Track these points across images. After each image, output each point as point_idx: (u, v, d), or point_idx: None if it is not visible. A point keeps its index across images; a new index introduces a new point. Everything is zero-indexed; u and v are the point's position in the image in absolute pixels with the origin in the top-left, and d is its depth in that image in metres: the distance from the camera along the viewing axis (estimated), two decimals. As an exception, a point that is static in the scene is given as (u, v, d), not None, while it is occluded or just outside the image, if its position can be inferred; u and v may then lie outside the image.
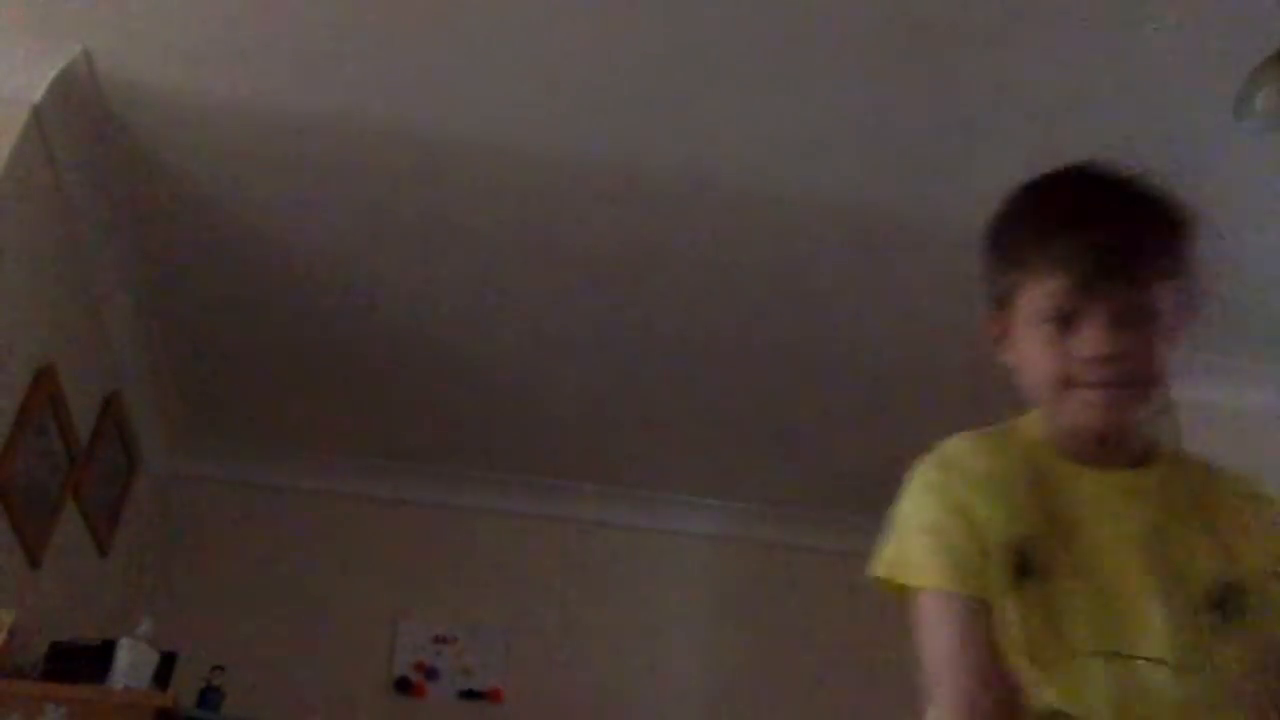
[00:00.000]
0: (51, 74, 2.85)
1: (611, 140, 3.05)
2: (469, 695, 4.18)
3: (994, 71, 2.82)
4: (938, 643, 1.11)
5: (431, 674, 4.21)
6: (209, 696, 3.53)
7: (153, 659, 3.00)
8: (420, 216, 3.33)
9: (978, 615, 1.11)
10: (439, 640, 4.27)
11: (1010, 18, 2.69)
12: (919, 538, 1.16)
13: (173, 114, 3.01)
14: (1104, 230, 1.13)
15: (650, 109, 2.96)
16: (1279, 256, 3.30)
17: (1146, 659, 1.08)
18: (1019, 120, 2.96)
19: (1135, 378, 1.12)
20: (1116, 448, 1.17)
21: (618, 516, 4.51)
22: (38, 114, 2.87)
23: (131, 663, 2.92)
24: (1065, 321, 1.13)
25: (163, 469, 4.35)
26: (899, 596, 1.16)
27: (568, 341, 3.79)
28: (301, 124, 3.03)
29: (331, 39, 2.82)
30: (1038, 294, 1.15)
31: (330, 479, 4.51)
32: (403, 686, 4.17)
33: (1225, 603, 1.11)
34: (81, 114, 2.99)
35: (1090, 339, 1.11)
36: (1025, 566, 1.12)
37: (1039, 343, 1.15)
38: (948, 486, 1.18)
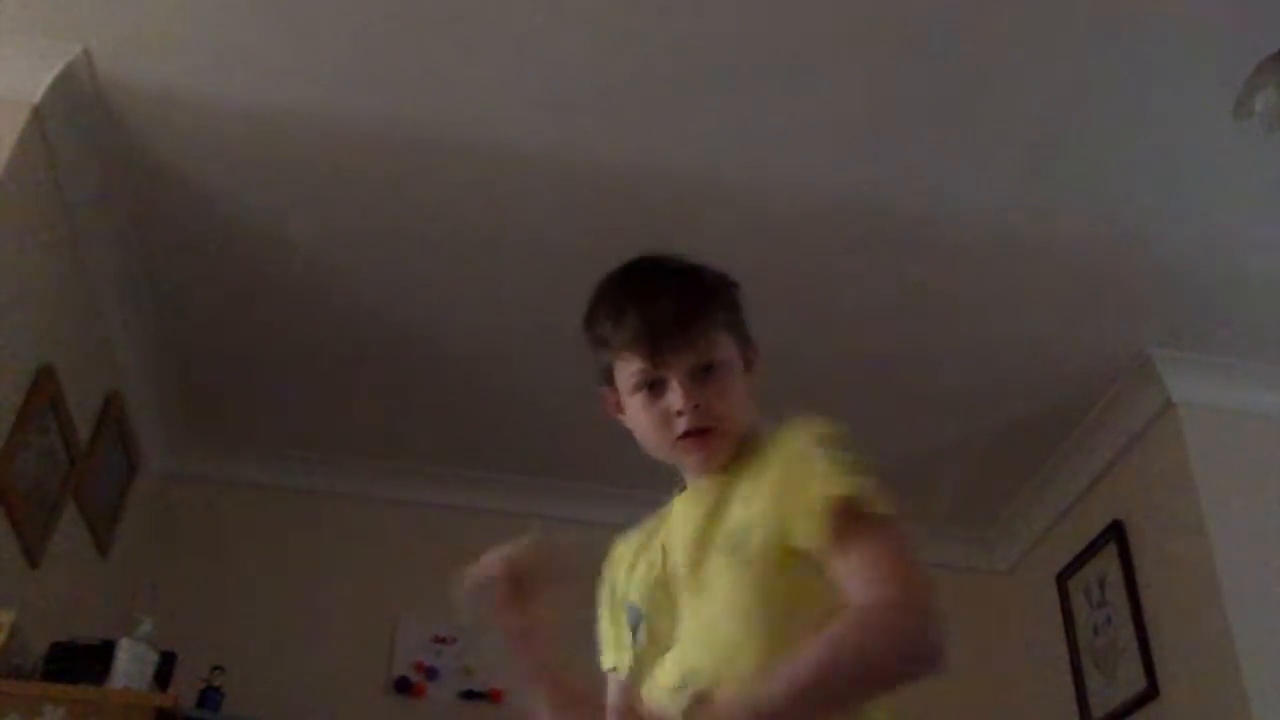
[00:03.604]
0: (51, 74, 2.85)
1: (611, 140, 3.05)
2: (469, 695, 4.17)
3: (994, 71, 2.82)
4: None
5: (431, 674, 4.21)
6: (209, 696, 3.53)
7: (153, 659, 2.99)
8: (420, 217, 3.33)
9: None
10: (439, 640, 4.26)
11: (1010, 17, 2.69)
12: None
13: (173, 114, 3.01)
14: (658, 310, 1.38)
15: (650, 109, 2.96)
16: (1279, 256, 3.30)
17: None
18: (1019, 120, 2.96)
19: (716, 421, 1.37)
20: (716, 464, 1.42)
21: (618, 516, 4.49)
22: (38, 114, 2.87)
23: (131, 663, 2.92)
24: (652, 388, 1.39)
25: (163, 469, 4.35)
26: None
27: (567, 342, 3.78)
28: (301, 124, 3.03)
29: (332, 40, 2.82)
30: (625, 371, 1.41)
31: (330, 479, 4.50)
32: (403, 686, 4.17)
33: (734, 544, 1.32)
34: (81, 114, 2.99)
35: (675, 398, 1.37)
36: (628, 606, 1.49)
37: (639, 408, 1.41)
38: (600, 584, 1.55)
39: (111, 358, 3.67)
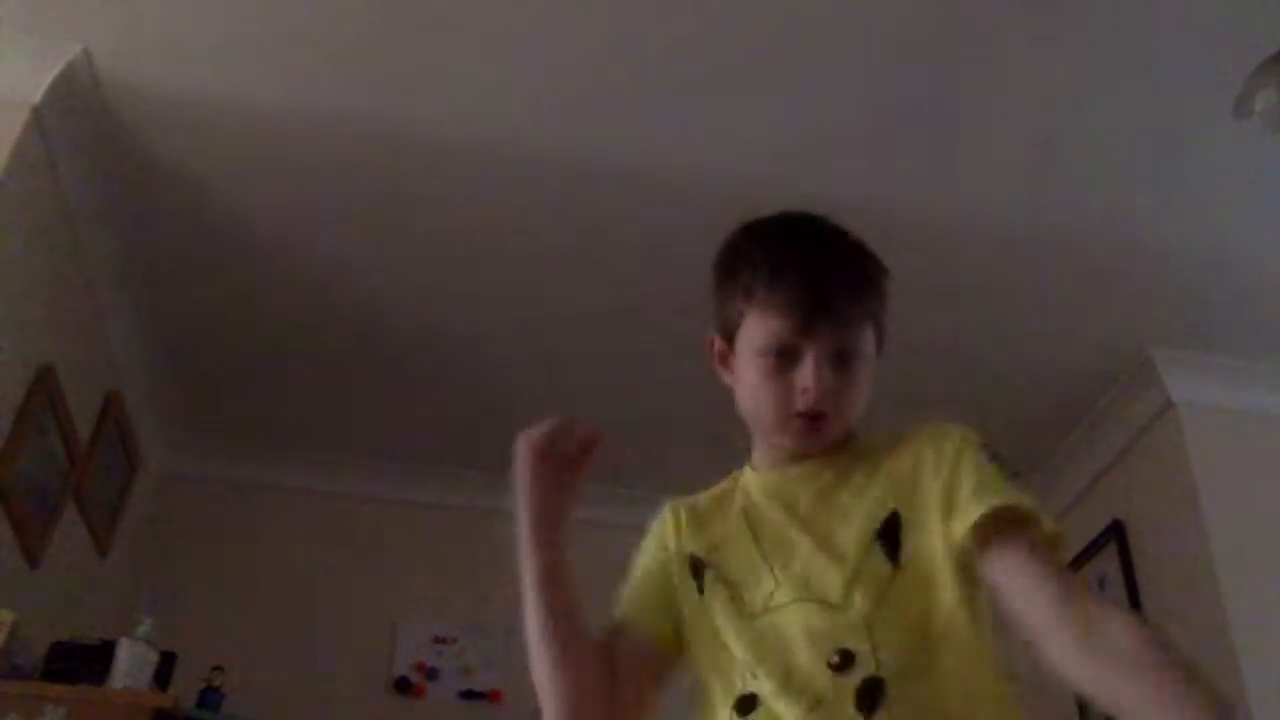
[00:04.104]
0: (51, 74, 2.85)
1: (612, 140, 3.05)
2: (469, 695, 4.18)
3: (994, 72, 2.82)
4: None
5: (431, 674, 4.21)
6: (209, 696, 3.52)
7: (153, 659, 2.99)
8: (420, 217, 3.33)
9: (621, 630, 1.38)
10: (439, 640, 4.26)
11: (1010, 17, 2.69)
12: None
13: (173, 114, 3.01)
14: (826, 279, 1.27)
15: (650, 109, 2.96)
16: (1279, 256, 3.31)
17: (799, 604, 1.23)
18: (1019, 120, 2.96)
19: (838, 410, 1.28)
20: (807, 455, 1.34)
21: (618, 516, 4.49)
22: (38, 114, 2.87)
23: (131, 663, 2.92)
24: (783, 355, 1.27)
25: (163, 469, 4.35)
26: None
27: (568, 342, 3.79)
28: (301, 124, 3.03)
29: (332, 39, 2.82)
30: (761, 330, 1.28)
31: (330, 479, 4.50)
32: (402, 687, 4.17)
33: (887, 533, 1.23)
34: (81, 114, 2.99)
35: (806, 374, 1.26)
36: (698, 566, 1.35)
37: (758, 372, 1.29)
38: (642, 548, 1.46)
39: (111, 358, 3.67)
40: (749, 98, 2.91)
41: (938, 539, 1.21)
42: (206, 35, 2.82)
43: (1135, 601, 3.64)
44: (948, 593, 1.20)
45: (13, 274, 2.92)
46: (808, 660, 1.19)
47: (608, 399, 4.04)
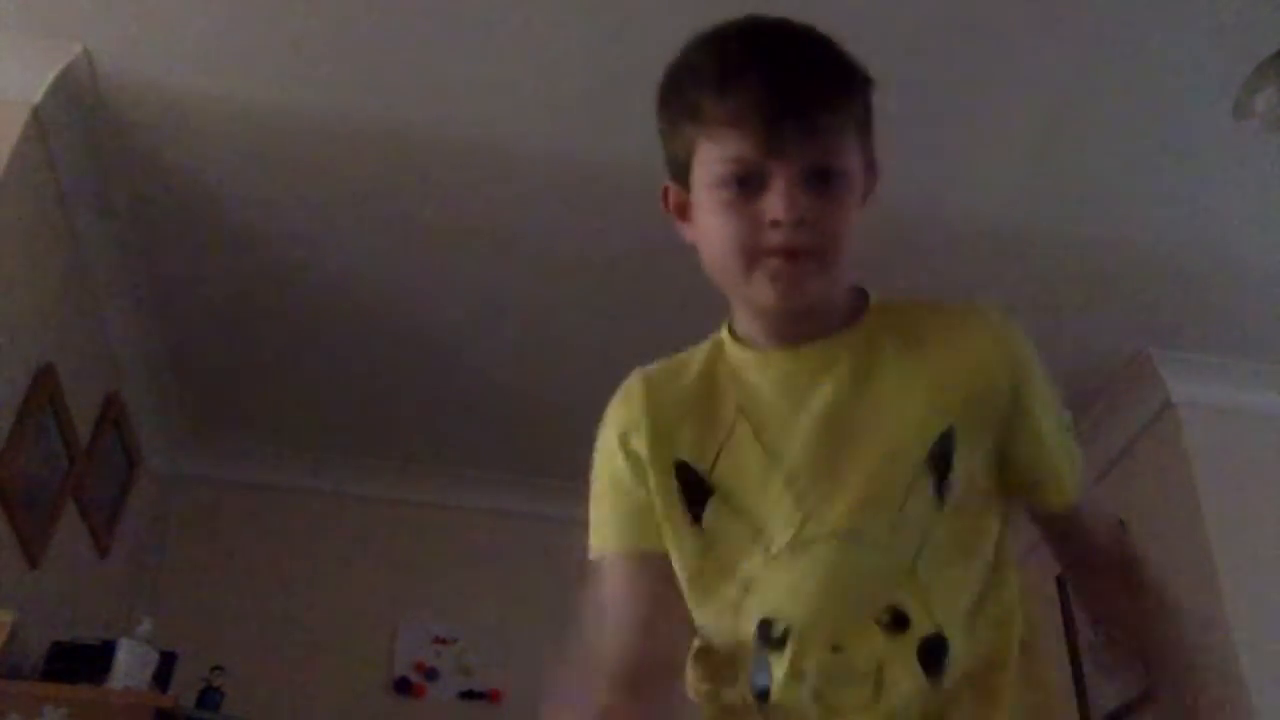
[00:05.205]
0: (51, 74, 2.85)
1: (611, 140, 3.05)
2: (469, 696, 4.18)
3: (994, 71, 2.82)
4: (603, 602, 1.09)
5: (431, 674, 4.21)
6: (209, 696, 3.53)
7: (153, 659, 3.00)
8: (420, 217, 3.33)
9: (639, 567, 1.10)
10: (439, 640, 4.26)
11: (1010, 17, 2.69)
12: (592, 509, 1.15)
13: (172, 114, 3.01)
14: (785, 78, 1.01)
15: (650, 109, 2.96)
16: (1279, 256, 3.31)
17: (835, 536, 1.02)
18: (1019, 120, 2.96)
19: (821, 243, 1.03)
20: (809, 322, 1.09)
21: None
22: (38, 114, 2.87)
23: (131, 663, 2.92)
24: (746, 184, 1.02)
25: (163, 469, 4.35)
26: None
27: (567, 341, 3.79)
28: (301, 124, 3.03)
29: (331, 39, 2.82)
30: (715, 154, 1.03)
31: (330, 479, 4.51)
32: (402, 687, 4.17)
33: (936, 458, 1.03)
34: (81, 114, 2.99)
35: (775, 202, 1.00)
36: (695, 489, 1.07)
37: (719, 209, 1.04)
38: (601, 448, 1.17)
39: (111, 358, 3.67)
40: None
41: (989, 461, 1.06)
42: (206, 35, 2.82)
43: (1135, 601, 3.63)
44: (997, 522, 1.07)
45: (13, 274, 2.92)
46: (851, 615, 1.01)
47: (608, 400, 4.04)
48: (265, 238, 3.41)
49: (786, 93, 1.00)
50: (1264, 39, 2.55)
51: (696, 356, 1.16)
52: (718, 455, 1.07)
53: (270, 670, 3.94)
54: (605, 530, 1.13)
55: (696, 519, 1.07)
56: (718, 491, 1.06)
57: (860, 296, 1.14)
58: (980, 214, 3.22)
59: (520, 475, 4.52)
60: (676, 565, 1.08)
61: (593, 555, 1.13)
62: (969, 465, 1.04)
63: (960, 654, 1.01)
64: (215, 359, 4.00)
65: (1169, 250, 3.30)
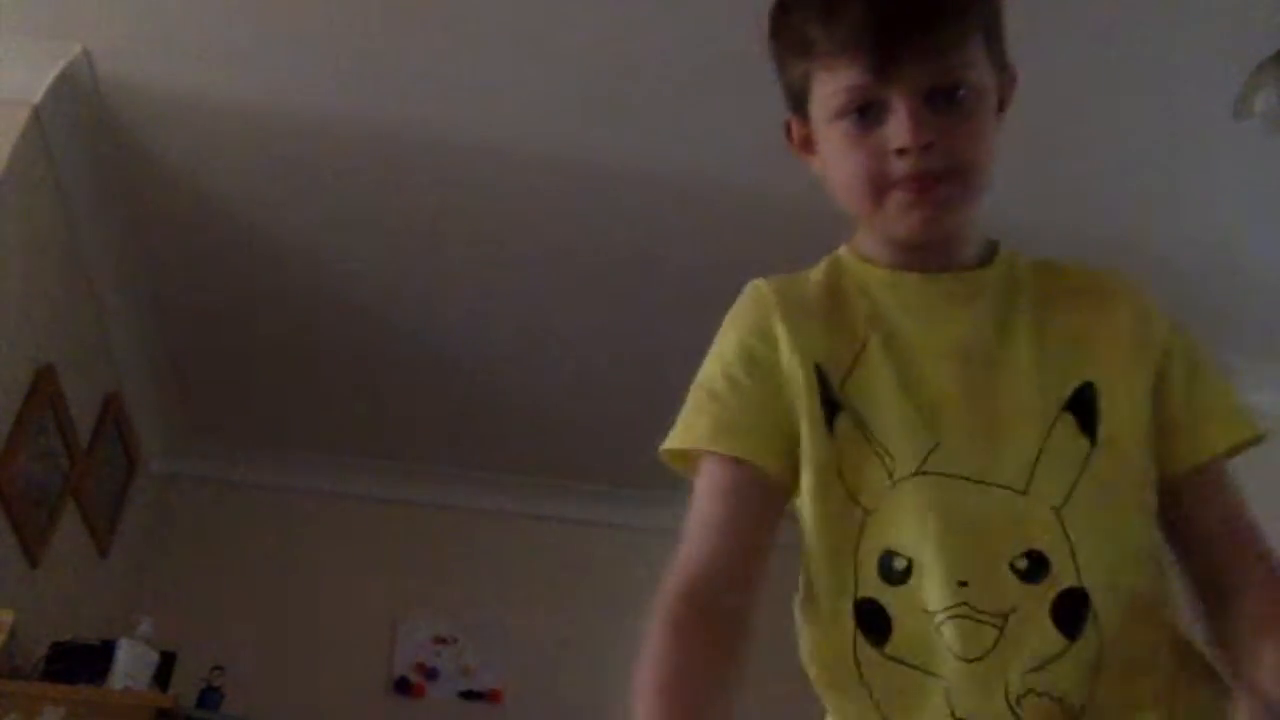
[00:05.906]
0: (51, 74, 2.85)
1: (611, 140, 3.05)
2: (469, 695, 4.18)
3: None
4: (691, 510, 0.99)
5: (431, 674, 4.21)
6: (209, 696, 3.53)
7: (153, 659, 3.00)
8: (420, 217, 3.33)
9: (742, 477, 1.00)
10: (439, 640, 4.27)
11: (1009, 17, 2.69)
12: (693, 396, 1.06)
13: (173, 114, 3.01)
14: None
15: (650, 109, 2.96)
16: (1279, 256, 3.31)
17: (962, 471, 0.94)
18: (1018, 120, 2.95)
19: (955, 167, 0.98)
20: (944, 252, 1.05)
21: (618, 516, 4.50)
22: (38, 114, 2.87)
23: (131, 663, 2.92)
24: (866, 113, 0.96)
25: (163, 469, 4.35)
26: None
27: (567, 341, 3.79)
28: (301, 124, 3.03)
29: (332, 39, 2.82)
30: (830, 86, 0.97)
31: (330, 479, 4.51)
32: (402, 687, 4.17)
33: (1079, 405, 0.97)
34: (81, 114, 2.99)
35: (897, 129, 0.94)
36: (826, 399, 0.99)
37: (841, 141, 0.98)
38: (723, 348, 1.08)
39: (111, 358, 3.67)
40: (750, 97, 2.90)
41: (1145, 413, 0.99)
42: (206, 35, 2.82)
43: (1135, 601, 3.64)
44: (1150, 479, 0.99)
45: (13, 274, 2.92)
46: (983, 557, 0.91)
47: (608, 400, 4.04)
48: (265, 237, 3.41)
49: (894, 11, 0.94)
50: (1264, 39, 2.55)
51: (811, 275, 1.09)
52: (851, 368, 1.00)
53: (270, 670, 3.95)
54: (713, 431, 1.04)
55: (829, 423, 0.98)
56: (845, 408, 0.98)
57: (990, 242, 1.11)
58: (979, 213, 3.22)
59: (520, 475, 4.52)
60: (804, 475, 0.99)
61: (693, 449, 1.05)
62: (1119, 416, 0.98)
63: (1107, 620, 0.90)
64: (215, 359, 4.01)
65: (1169, 250, 3.30)
